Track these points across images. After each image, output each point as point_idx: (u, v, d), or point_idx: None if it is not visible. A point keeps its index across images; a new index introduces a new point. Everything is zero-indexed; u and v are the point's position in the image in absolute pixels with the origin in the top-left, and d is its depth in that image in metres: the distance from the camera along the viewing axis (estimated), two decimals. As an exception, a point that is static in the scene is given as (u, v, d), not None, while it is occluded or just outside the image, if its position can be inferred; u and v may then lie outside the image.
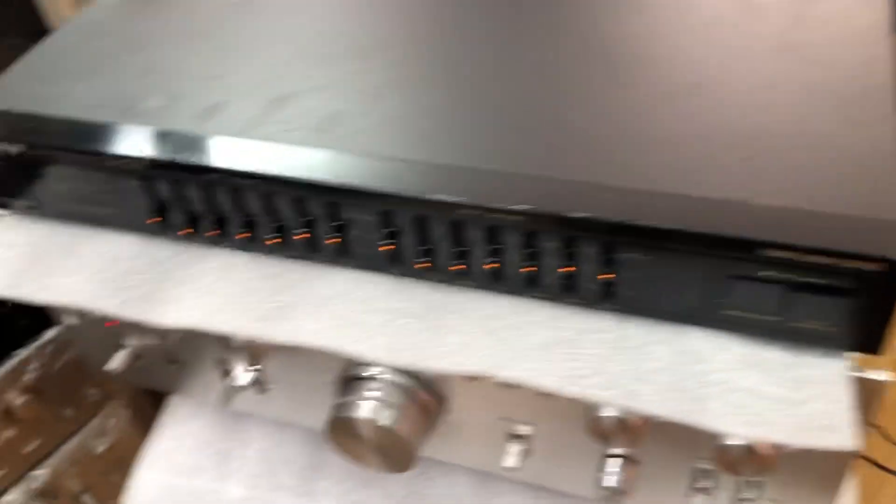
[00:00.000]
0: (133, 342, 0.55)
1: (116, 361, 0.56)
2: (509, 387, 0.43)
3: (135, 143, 0.45)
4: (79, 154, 0.46)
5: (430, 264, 0.43)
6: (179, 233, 0.47)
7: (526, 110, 0.43)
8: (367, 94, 0.45)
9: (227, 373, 0.55)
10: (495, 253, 0.41)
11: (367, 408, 0.46)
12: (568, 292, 0.41)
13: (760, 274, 0.36)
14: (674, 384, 0.38)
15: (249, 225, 0.46)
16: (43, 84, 0.50)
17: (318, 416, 0.52)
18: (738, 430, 0.36)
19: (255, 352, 0.49)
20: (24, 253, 0.50)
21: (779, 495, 0.44)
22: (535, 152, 0.40)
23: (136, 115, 0.46)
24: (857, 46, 0.45)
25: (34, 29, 0.85)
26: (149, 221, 0.47)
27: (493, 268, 0.41)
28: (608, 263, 0.39)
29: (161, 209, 0.47)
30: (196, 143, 0.44)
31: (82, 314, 0.49)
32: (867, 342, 0.37)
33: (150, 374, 0.57)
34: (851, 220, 0.35)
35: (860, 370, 0.38)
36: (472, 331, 0.42)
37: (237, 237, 0.46)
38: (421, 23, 0.52)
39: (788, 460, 0.38)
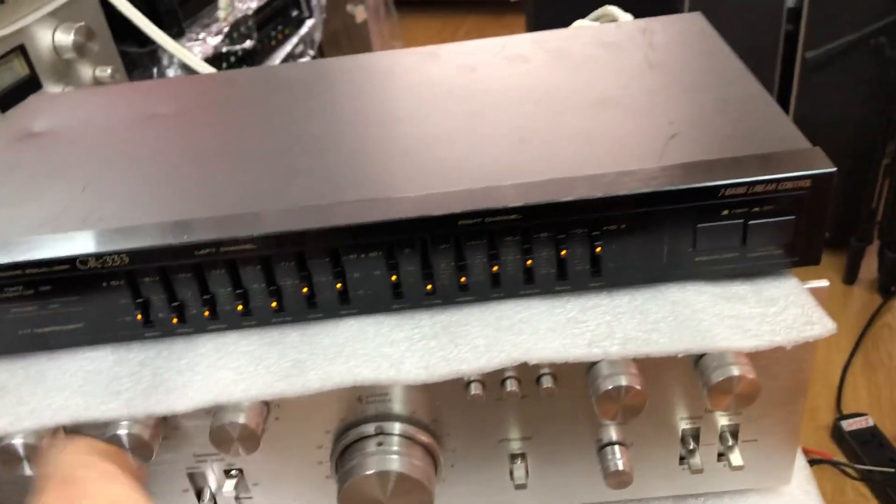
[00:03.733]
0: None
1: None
2: (502, 404, 0.47)
3: (102, 243, 0.45)
4: (47, 266, 0.44)
5: (431, 287, 0.46)
6: (175, 322, 0.46)
7: (459, 148, 0.49)
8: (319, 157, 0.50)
9: (199, 492, 0.53)
10: (493, 258, 0.45)
11: (374, 462, 0.47)
12: (559, 280, 0.46)
13: (722, 214, 0.44)
14: (679, 326, 0.44)
15: (241, 298, 0.46)
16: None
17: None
18: (747, 344, 0.43)
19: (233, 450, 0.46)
20: (-17, 392, 0.46)
21: (753, 434, 0.51)
22: (492, 170, 0.46)
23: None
24: (704, 53, 0.56)
25: None
26: (132, 320, 0.46)
27: (493, 273, 0.46)
28: (593, 242, 0.45)
29: (143, 306, 0.46)
30: (167, 228, 0.45)
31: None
32: (808, 255, 0.46)
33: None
34: (772, 157, 0.44)
35: (807, 282, 0.47)
36: (490, 333, 0.45)
37: (232, 313, 0.46)
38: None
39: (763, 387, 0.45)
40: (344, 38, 2.63)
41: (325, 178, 0.48)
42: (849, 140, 1.71)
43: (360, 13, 2.61)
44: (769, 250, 0.45)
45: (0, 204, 0.50)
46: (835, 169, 0.43)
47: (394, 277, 0.45)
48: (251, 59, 1.64)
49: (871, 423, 1.51)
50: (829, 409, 1.57)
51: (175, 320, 0.46)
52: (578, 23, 0.72)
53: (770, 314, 0.44)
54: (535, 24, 2.19)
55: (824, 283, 0.46)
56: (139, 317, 0.46)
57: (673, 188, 0.43)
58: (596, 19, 0.71)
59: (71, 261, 0.44)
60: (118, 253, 0.44)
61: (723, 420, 0.50)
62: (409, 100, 0.56)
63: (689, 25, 0.60)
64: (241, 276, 0.45)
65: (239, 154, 0.52)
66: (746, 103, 0.50)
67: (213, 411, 0.45)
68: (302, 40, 1.80)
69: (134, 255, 0.44)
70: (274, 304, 0.46)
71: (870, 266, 1.79)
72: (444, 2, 3.37)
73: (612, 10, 0.69)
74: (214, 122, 0.57)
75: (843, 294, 1.79)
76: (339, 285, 0.45)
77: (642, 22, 0.62)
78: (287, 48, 1.75)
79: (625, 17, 0.67)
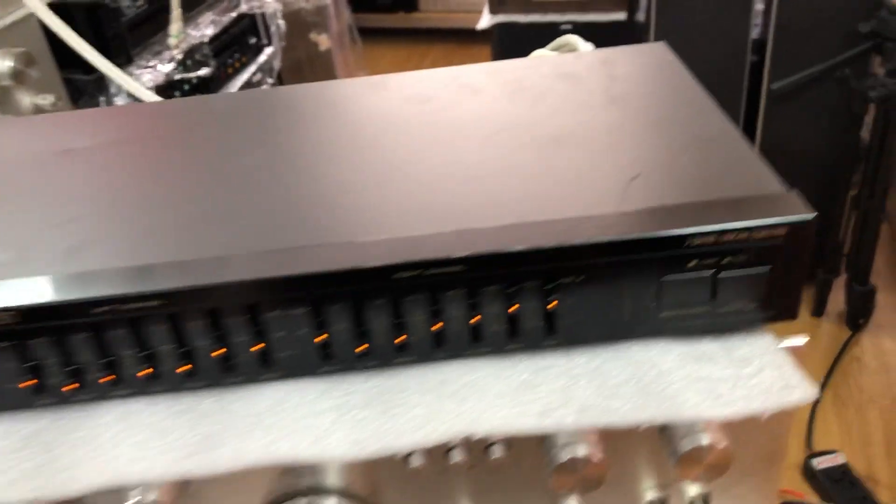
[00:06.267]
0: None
1: None
2: (448, 475, 0.42)
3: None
4: (-81, 325, 0.38)
5: (365, 346, 0.41)
6: (64, 388, 0.40)
7: (405, 188, 0.45)
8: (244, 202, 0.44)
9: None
10: (435, 315, 0.40)
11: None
12: (510, 338, 0.41)
13: (689, 266, 0.39)
14: (641, 391, 0.39)
15: (147, 361, 0.40)
16: None
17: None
18: (719, 413, 0.38)
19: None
20: None
21: (726, 502, 0.46)
22: (436, 214, 0.41)
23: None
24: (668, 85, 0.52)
25: None
26: (21, 386, 0.40)
27: (435, 332, 0.40)
28: (546, 296, 0.40)
29: (34, 370, 0.40)
30: (67, 283, 0.39)
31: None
32: (785, 309, 0.41)
33: None
34: (744, 202, 0.40)
35: (782, 339, 0.42)
36: (431, 400, 0.40)
37: (138, 377, 0.41)
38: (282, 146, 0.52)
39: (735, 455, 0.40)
40: (307, 67, 2.58)
41: (246, 223, 0.43)
42: (815, 171, 1.70)
43: (323, 41, 2.57)
44: (742, 305, 0.41)
45: None
46: (814, 215, 0.38)
47: (321, 337, 0.40)
48: (207, 87, 1.59)
49: (842, 460, 1.48)
50: (800, 446, 1.53)
51: (71, 386, 0.40)
52: (537, 52, 0.67)
53: (744, 376, 0.39)
54: (500, 54, 2.17)
55: (802, 339, 0.42)
56: (30, 383, 0.40)
57: (634, 237, 0.38)
58: (556, 49, 0.67)
59: (-54, 320, 0.38)
60: (5, 310, 0.38)
61: (693, 489, 0.45)
62: (349, 134, 0.51)
63: (654, 56, 0.56)
64: (146, 336, 0.40)
65: (146, 195, 0.47)
66: (715, 142, 0.45)
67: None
68: (260, 68, 1.75)
69: (24, 312, 0.38)
70: (184, 368, 0.40)
71: (838, 298, 1.77)
72: (410, 31, 3.35)
73: (573, 39, 0.65)
74: (126, 160, 0.52)
75: (812, 327, 1.76)
76: (258, 346, 0.40)
77: (603, 52, 0.58)
78: (244, 76, 1.69)
79: (585, 46, 0.63)
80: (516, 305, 0.40)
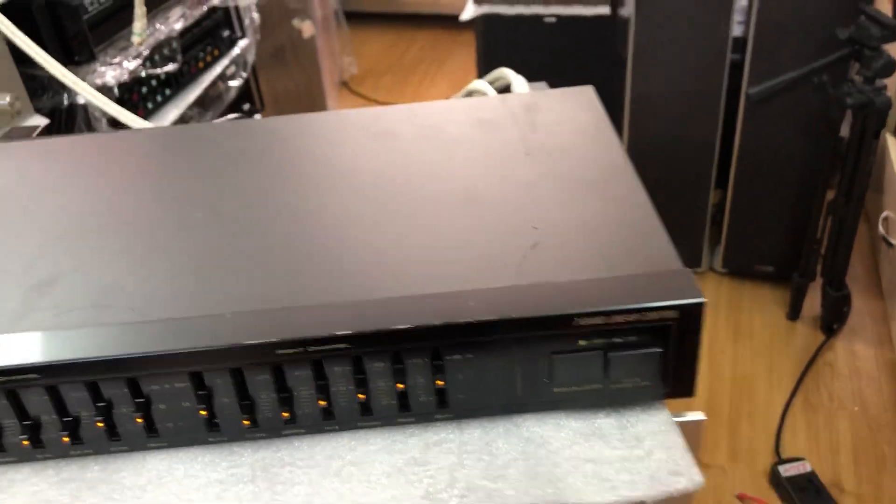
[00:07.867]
0: None
1: None
2: None
3: None
4: None
5: (249, 422, 0.40)
6: (-58, 459, 0.39)
7: (292, 251, 0.43)
8: (134, 264, 0.43)
9: None
10: (322, 390, 0.39)
11: None
12: (401, 411, 0.40)
13: (580, 344, 0.38)
14: (528, 472, 0.38)
15: (29, 430, 0.40)
16: None
17: None
18: (601, 500, 0.37)
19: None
20: None
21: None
22: (321, 283, 0.40)
23: None
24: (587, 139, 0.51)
25: None
26: None
27: (322, 406, 0.40)
28: (435, 371, 0.39)
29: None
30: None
31: None
32: (681, 387, 0.40)
33: None
34: (638, 280, 0.39)
35: (681, 415, 0.41)
36: (315, 478, 0.39)
37: (20, 445, 0.40)
38: (163, 197, 0.51)
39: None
40: (290, 55, 2.56)
41: (117, 292, 0.42)
42: (793, 173, 1.69)
43: (307, 28, 2.53)
44: (635, 382, 0.40)
45: None
46: (703, 300, 0.37)
47: (203, 412, 0.39)
48: (176, 82, 1.57)
49: (808, 468, 1.48)
50: (769, 451, 1.54)
51: (-50, 457, 0.40)
52: (475, 84, 0.66)
53: (633, 458, 0.39)
54: (484, 46, 2.14)
55: (699, 416, 0.41)
56: None
57: (521, 316, 0.37)
58: (493, 81, 0.66)
59: None
60: None
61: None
62: (231, 184, 0.50)
63: (578, 103, 0.55)
64: (24, 405, 0.39)
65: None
66: (621, 207, 0.44)
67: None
68: (234, 62, 1.73)
69: None
70: (66, 439, 0.40)
71: (814, 302, 1.76)
72: (398, 16, 3.31)
73: (507, 73, 0.63)
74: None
75: (786, 331, 1.76)
76: (139, 419, 0.39)
77: (530, 96, 0.57)
78: (217, 69, 1.67)
79: (518, 82, 0.62)
80: (402, 384, 0.39)
